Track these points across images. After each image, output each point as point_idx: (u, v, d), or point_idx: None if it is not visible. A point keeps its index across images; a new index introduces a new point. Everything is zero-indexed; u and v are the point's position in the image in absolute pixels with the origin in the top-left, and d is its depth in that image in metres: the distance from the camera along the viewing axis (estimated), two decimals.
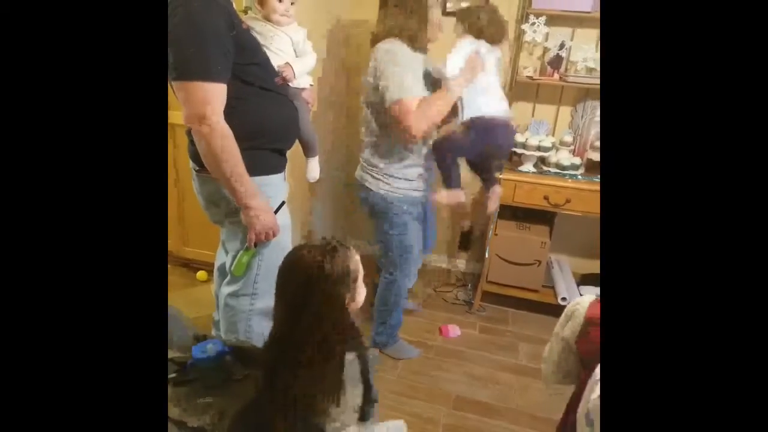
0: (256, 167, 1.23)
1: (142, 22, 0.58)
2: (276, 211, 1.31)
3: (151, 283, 0.59)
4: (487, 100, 1.62)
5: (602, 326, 0.57)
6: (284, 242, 1.34)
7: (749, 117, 0.47)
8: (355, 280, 1.01)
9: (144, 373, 0.57)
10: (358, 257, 1.03)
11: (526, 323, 2.33)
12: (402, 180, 1.73)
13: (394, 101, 1.53)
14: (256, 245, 1.30)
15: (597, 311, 0.97)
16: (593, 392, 0.82)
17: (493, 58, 1.65)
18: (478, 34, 1.62)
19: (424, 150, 1.74)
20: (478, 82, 1.60)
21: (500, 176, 2.15)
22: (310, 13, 2.04)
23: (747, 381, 0.45)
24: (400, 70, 1.53)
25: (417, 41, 1.60)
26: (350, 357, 0.97)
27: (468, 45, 1.60)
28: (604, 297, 0.57)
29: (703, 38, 0.49)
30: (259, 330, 1.39)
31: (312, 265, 0.95)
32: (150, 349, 0.58)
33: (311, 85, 1.74)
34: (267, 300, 1.29)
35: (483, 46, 1.62)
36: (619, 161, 0.54)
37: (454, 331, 2.22)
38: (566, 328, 1.05)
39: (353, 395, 0.97)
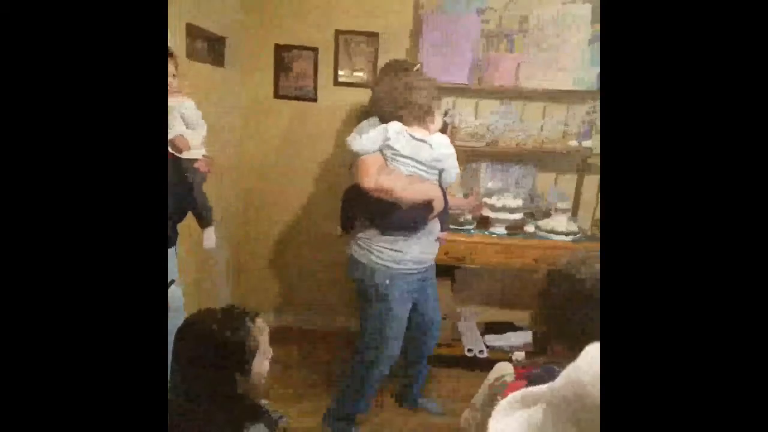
0: None
1: (141, 23, 0.56)
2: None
3: (150, 280, 0.58)
4: None
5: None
6: (172, 321, 1.23)
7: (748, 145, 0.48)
8: (253, 354, 0.96)
9: (143, 372, 0.56)
10: (263, 329, 0.99)
11: (439, 379, 2.34)
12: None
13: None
14: None
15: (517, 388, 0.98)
16: None
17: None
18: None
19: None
20: None
21: None
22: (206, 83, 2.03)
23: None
24: None
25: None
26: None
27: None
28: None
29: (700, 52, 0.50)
30: None
31: (203, 334, 0.93)
32: (149, 349, 0.57)
33: (204, 155, 1.71)
34: None
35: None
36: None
37: None
38: (478, 396, 1.04)
39: None
